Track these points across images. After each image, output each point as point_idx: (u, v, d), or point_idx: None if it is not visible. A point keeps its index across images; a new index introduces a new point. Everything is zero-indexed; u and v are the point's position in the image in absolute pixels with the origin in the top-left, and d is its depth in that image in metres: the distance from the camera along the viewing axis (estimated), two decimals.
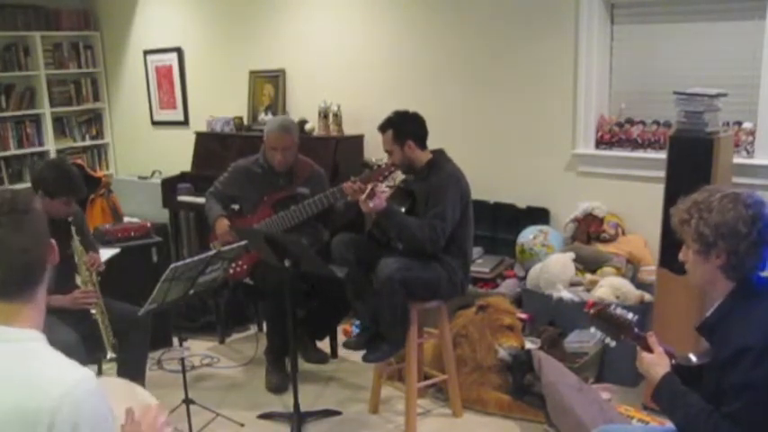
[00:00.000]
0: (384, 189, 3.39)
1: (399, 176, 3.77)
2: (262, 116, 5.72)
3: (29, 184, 6.52)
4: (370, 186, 3.29)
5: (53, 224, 1.68)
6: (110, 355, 3.21)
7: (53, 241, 1.57)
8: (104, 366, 4.08)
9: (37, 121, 6.75)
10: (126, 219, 5.60)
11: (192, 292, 3.31)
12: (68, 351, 1.53)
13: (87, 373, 1.45)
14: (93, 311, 3.24)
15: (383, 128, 3.58)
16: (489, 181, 4.55)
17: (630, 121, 4.22)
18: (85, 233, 3.58)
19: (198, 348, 4.58)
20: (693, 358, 2.09)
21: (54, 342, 1.53)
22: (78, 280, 3.32)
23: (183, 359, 3.48)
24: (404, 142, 3.52)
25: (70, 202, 3.35)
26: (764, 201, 1.99)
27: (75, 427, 1.38)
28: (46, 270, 1.54)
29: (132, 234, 4.54)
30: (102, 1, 6.95)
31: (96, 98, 7.14)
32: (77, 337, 3.04)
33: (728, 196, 1.95)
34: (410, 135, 3.53)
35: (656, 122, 4.11)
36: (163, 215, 5.72)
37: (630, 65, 4.22)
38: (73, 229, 3.25)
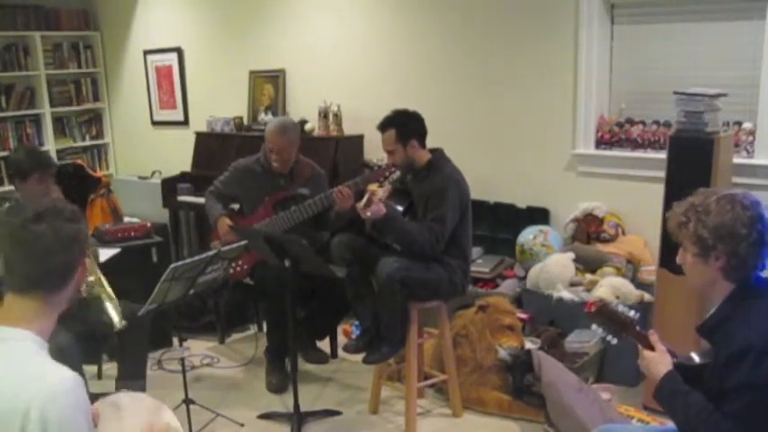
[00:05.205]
0: (382, 195, 3.34)
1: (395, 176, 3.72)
2: (262, 116, 5.72)
3: None
4: (368, 194, 3.26)
5: None
6: (120, 324, 3.16)
7: (87, 262, 1.62)
8: (105, 366, 4.10)
9: (37, 121, 6.75)
10: (126, 219, 5.60)
11: (192, 292, 3.31)
12: (62, 352, 1.55)
13: (70, 377, 1.45)
14: (90, 278, 3.18)
15: (384, 127, 3.54)
16: (489, 181, 4.56)
17: (630, 121, 4.22)
18: None
19: (198, 348, 4.58)
20: (696, 358, 2.09)
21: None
22: None
23: (183, 359, 3.48)
24: (407, 142, 3.49)
25: (44, 179, 3.39)
26: (761, 201, 1.99)
27: (45, 430, 1.39)
28: (70, 281, 1.58)
29: (132, 234, 4.54)
30: (102, 1, 6.96)
31: (96, 98, 7.15)
32: (71, 338, 3.01)
33: (725, 198, 1.95)
34: (413, 134, 3.50)
35: (656, 122, 4.11)
36: (163, 215, 5.72)
37: (630, 65, 4.22)
38: None
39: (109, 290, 3.20)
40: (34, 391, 1.40)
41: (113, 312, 3.15)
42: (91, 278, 3.20)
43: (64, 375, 1.45)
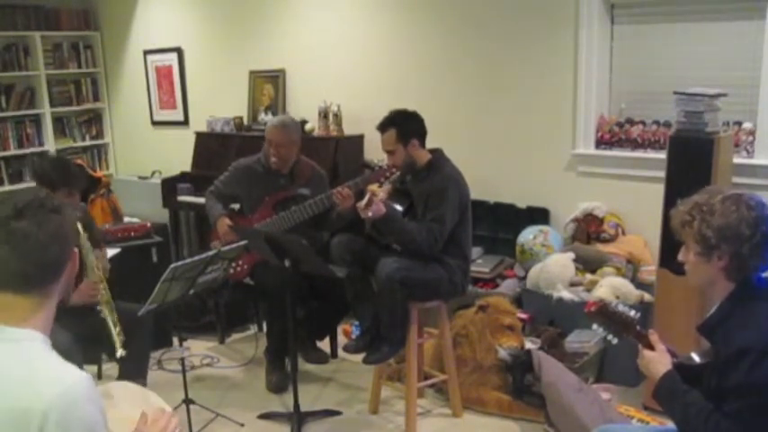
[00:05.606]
0: (382, 196, 3.35)
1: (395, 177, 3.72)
2: (262, 116, 5.72)
3: (29, 184, 6.56)
4: (368, 195, 3.26)
5: None
6: (120, 353, 3.17)
7: (76, 250, 1.59)
8: (105, 366, 4.10)
9: (37, 121, 6.75)
10: (126, 219, 5.60)
11: (192, 292, 3.31)
12: (63, 353, 1.54)
13: (83, 376, 1.45)
14: (99, 308, 3.21)
15: (384, 127, 3.54)
16: (489, 181, 4.56)
17: (630, 121, 4.22)
18: (94, 230, 3.57)
19: (198, 348, 4.58)
20: (696, 358, 2.09)
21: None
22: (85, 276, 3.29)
23: (183, 359, 3.48)
24: (408, 141, 3.49)
25: (72, 194, 3.34)
26: (766, 202, 1.99)
27: (65, 431, 1.38)
28: (62, 273, 1.55)
29: (132, 234, 4.54)
30: (102, 1, 6.95)
31: (96, 98, 7.14)
32: (71, 338, 3.00)
33: (731, 198, 1.95)
34: (413, 134, 3.50)
35: (656, 122, 4.11)
36: (163, 215, 5.72)
37: (630, 65, 4.21)
38: (80, 225, 3.24)
39: (115, 316, 3.21)
40: (53, 394, 1.39)
41: (116, 340, 3.17)
42: (103, 293, 3.20)
43: (80, 376, 1.45)
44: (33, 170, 3.49)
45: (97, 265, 3.28)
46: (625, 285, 3.82)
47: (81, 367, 3.17)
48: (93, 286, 3.23)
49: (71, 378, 1.44)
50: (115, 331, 3.14)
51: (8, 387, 1.41)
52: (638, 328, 2.11)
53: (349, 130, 5.14)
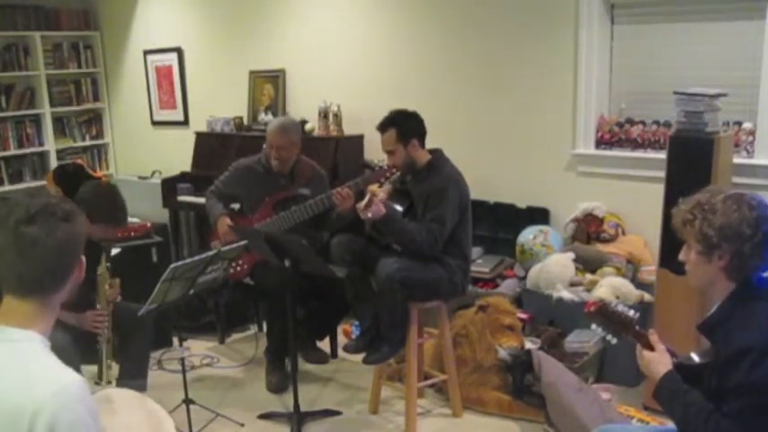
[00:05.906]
0: (382, 196, 3.35)
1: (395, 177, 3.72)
2: (262, 116, 5.72)
3: (29, 184, 6.56)
4: (368, 195, 3.26)
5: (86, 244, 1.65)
6: (104, 384, 3.20)
7: (83, 258, 1.59)
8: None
9: (37, 121, 6.75)
10: None
11: (192, 292, 3.30)
12: (59, 353, 1.54)
13: (77, 379, 1.46)
14: (98, 339, 3.23)
15: (384, 127, 3.54)
16: (489, 181, 4.56)
17: (630, 121, 4.22)
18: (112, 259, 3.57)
19: (198, 348, 4.59)
20: (696, 357, 2.10)
21: None
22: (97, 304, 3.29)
23: (183, 359, 3.48)
24: (408, 141, 3.49)
25: (108, 229, 3.31)
26: (767, 202, 1.99)
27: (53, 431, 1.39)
28: (66, 282, 1.56)
29: (132, 234, 4.53)
30: (102, 1, 6.95)
31: (96, 98, 7.14)
32: (69, 339, 2.99)
33: (732, 197, 1.95)
34: (413, 134, 3.51)
35: (656, 122, 4.11)
36: (163, 215, 5.72)
37: (630, 65, 4.22)
38: (104, 254, 3.24)
39: (110, 351, 3.22)
40: (46, 394, 1.40)
41: (104, 370, 3.19)
42: (106, 328, 3.20)
43: (74, 379, 1.45)
44: (78, 197, 3.36)
45: (108, 297, 3.26)
46: (625, 285, 3.82)
47: (78, 368, 3.18)
48: (98, 318, 3.23)
49: (65, 380, 1.44)
50: (105, 365, 3.17)
51: (3, 386, 1.42)
52: (637, 328, 2.11)
53: (349, 130, 5.14)
